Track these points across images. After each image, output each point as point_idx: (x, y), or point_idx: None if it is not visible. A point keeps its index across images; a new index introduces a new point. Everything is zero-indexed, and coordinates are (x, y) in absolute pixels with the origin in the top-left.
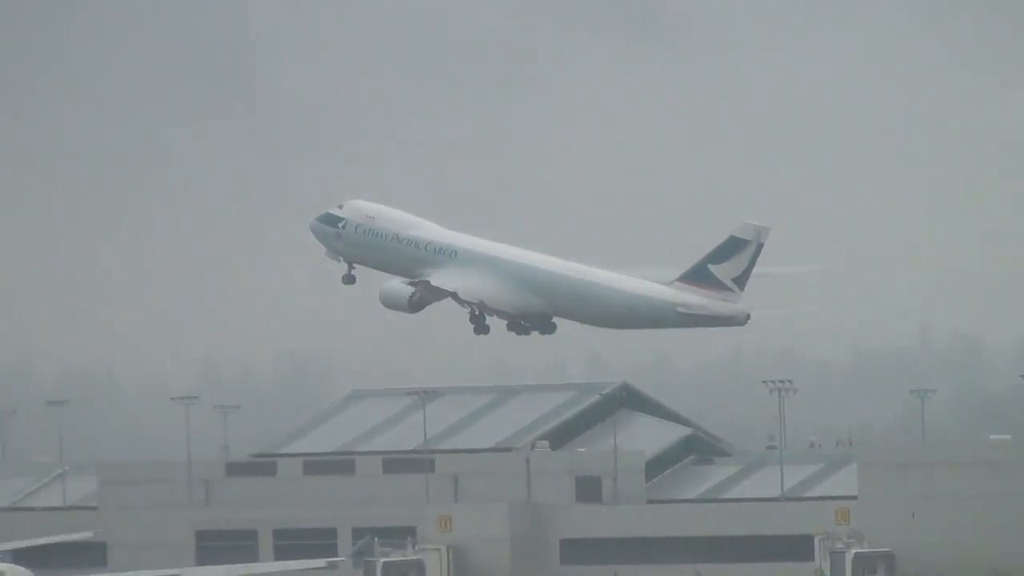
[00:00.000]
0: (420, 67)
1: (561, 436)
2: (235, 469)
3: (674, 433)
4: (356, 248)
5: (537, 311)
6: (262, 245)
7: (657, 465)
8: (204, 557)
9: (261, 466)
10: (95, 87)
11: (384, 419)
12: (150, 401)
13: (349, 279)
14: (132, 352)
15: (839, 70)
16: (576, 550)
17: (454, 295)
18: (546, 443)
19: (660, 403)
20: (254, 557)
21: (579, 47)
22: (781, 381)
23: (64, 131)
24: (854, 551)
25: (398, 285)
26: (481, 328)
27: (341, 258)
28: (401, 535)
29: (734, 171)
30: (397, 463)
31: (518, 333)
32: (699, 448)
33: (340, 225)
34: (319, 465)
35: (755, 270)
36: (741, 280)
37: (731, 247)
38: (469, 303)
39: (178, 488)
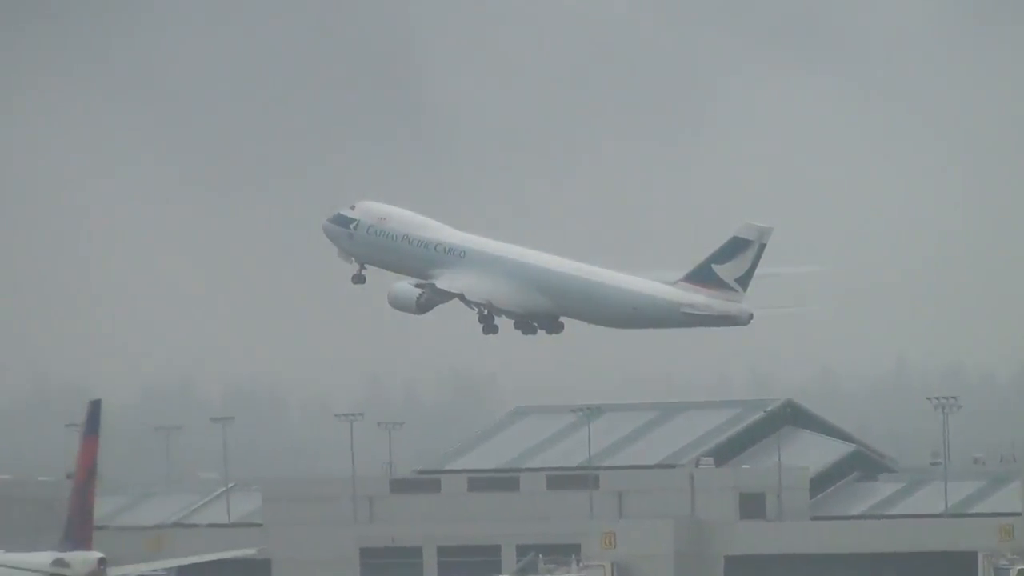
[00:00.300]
0: (584, 85)
1: (725, 453)
2: (399, 486)
3: (838, 449)
4: (367, 249)
5: (545, 311)
6: None
7: (821, 481)
8: (368, 574)
9: (425, 483)
10: (264, 101)
11: (548, 436)
12: (314, 418)
13: (359, 278)
14: (296, 369)
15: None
16: (740, 567)
17: (461, 296)
18: (710, 460)
19: (824, 419)
20: (418, 574)
21: (736, 66)
22: (945, 397)
23: (229, 145)
24: (1018, 568)
25: (406, 287)
26: (490, 328)
27: (353, 259)
28: (565, 552)
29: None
30: (561, 480)
31: (524, 332)
32: (863, 464)
33: (352, 226)
34: (483, 482)
35: (760, 270)
36: (744, 280)
37: (734, 247)
38: (476, 304)
39: (342, 505)
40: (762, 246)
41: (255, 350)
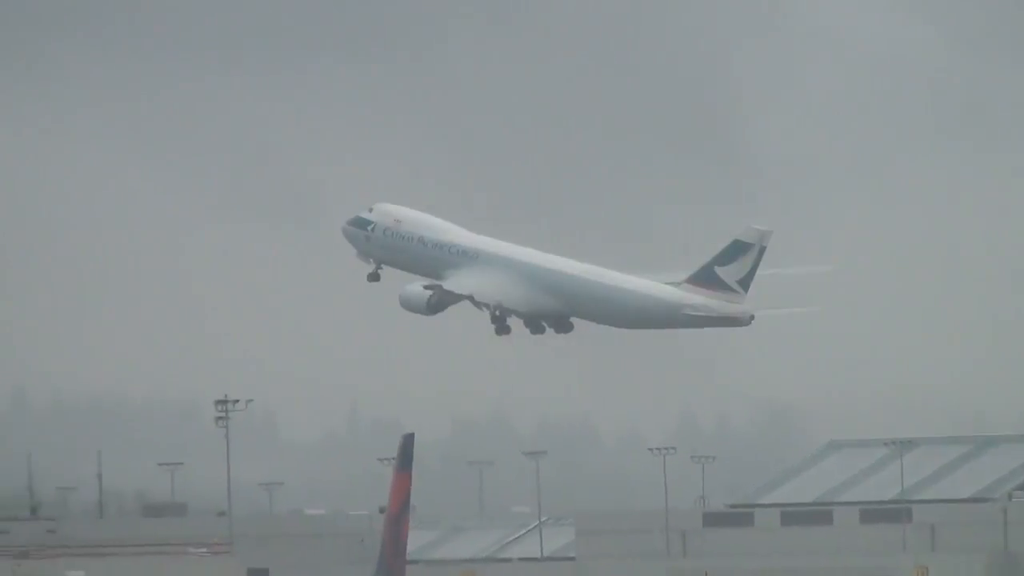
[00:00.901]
0: (894, 117)
1: None
2: (712, 519)
3: None
4: (384, 250)
5: (554, 311)
6: None
7: None
8: None
9: (738, 516)
10: (565, 137)
11: (861, 469)
12: (627, 451)
13: (374, 277)
14: (609, 402)
15: None
16: None
17: (470, 298)
18: (1023, 493)
19: None
20: None
21: None
22: None
23: (517, 183)
24: None
25: (417, 288)
26: (502, 328)
27: (371, 260)
28: None
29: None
30: (874, 513)
31: (533, 332)
32: None
33: (369, 228)
34: (796, 515)
35: (764, 270)
36: (745, 282)
37: (735, 250)
38: (486, 305)
39: (655, 538)
40: (762, 249)
41: (567, 383)
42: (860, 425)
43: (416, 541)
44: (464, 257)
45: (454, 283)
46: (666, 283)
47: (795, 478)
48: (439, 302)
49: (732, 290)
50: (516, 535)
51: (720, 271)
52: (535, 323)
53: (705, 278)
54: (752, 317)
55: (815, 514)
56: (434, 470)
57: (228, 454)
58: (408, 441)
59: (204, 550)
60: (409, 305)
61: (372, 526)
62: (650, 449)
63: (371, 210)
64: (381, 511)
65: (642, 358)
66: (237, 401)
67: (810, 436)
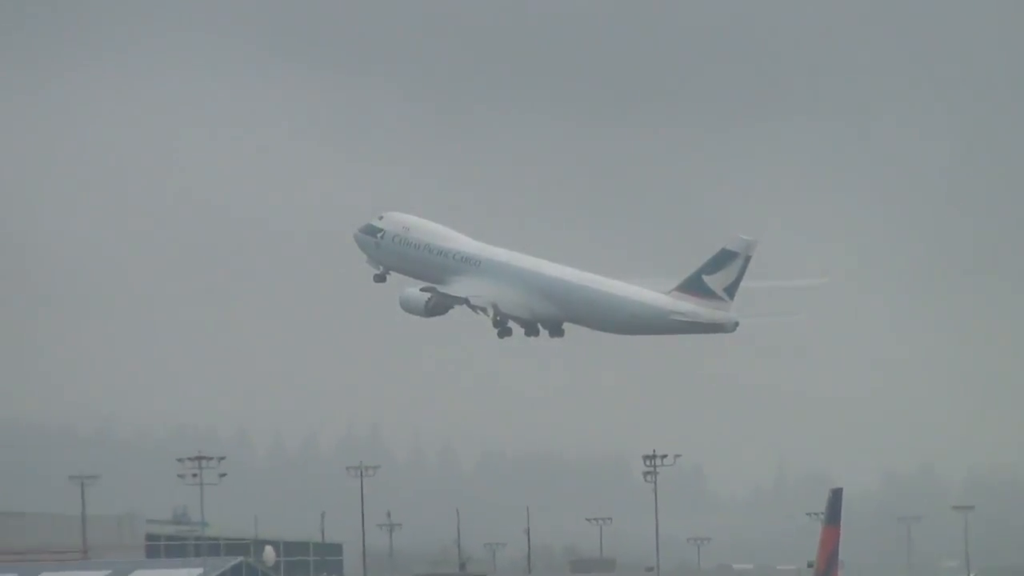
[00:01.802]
0: None
1: None
2: None
3: None
4: (393, 257)
5: (549, 316)
6: None
7: None
8: None
9: None
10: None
11: None
12: None
13: (380, 278)
14: None
15: None
16: None
17: (467, 301)
18: None
19: None
20: None
21: None
22: None
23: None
24: None
25: (416, 292)
26: (504, 332)
27: (381, 266)
28: None
29: None
30: None
31: (527, 334)
32: None
33: (379, 235)
34: None
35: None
36: (731, 290)
37: (722, 259)
38: (481, 308)
39: None
40: (748, 258)
41: (997, 437)
42: None
43: None
44: (467, 263)
45: (453, 287)
46: (656, 291)
47: None
48: (436, 305)
49: (719, 298)
50: None
51: (707, 279)
52: (530, 326)
53: (693, 286)
54: (737, 324)
55: None
56: (863, 524)
57: (656, 509)
58: (836, 495)
59: None
60: (408, 307)
61: None
62: None
63: (381, 218)
64: (809, 566)
65: None
66: (665, 456)
67: None
